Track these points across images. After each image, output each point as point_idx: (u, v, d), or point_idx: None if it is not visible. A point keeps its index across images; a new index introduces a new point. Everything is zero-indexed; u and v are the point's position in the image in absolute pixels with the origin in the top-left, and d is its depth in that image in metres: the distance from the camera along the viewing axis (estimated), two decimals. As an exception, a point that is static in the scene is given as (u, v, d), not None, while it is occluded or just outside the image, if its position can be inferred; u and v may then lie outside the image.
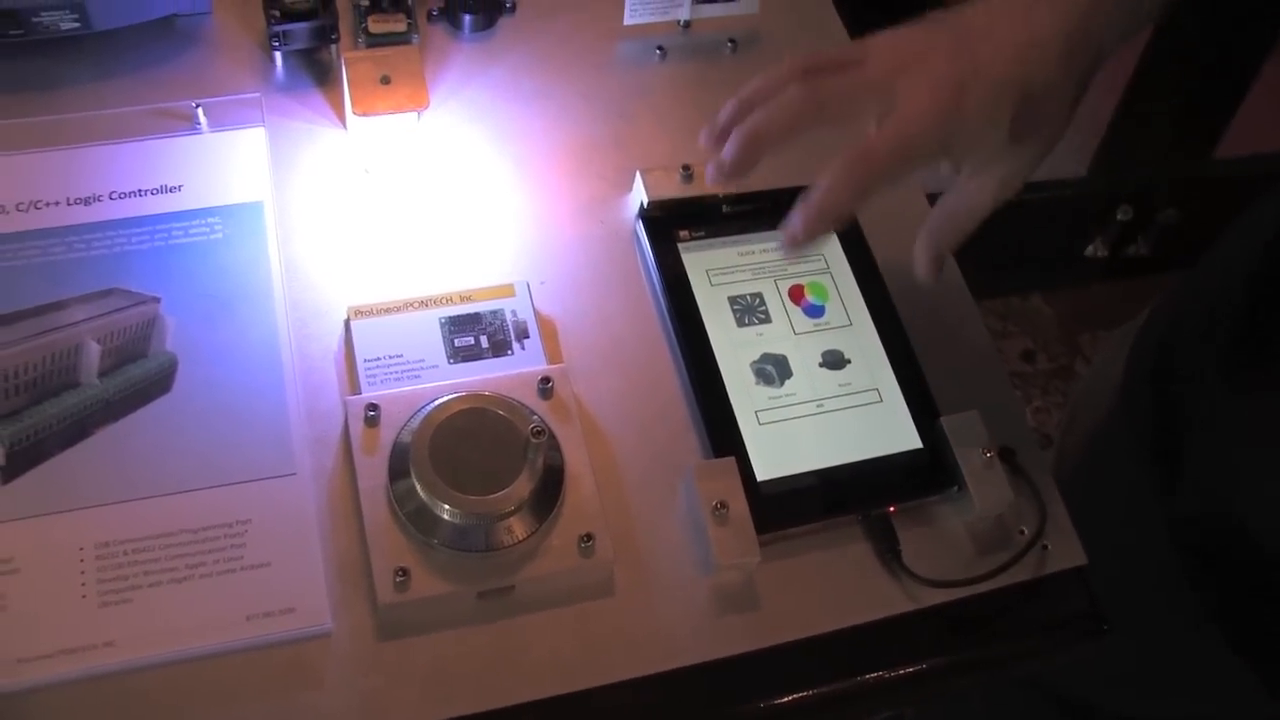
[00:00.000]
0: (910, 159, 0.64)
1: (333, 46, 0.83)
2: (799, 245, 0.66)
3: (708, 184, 0.70)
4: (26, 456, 0.67)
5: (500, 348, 0.73)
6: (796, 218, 0.65)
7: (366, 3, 0.84)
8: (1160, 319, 0.92)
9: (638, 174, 0.80)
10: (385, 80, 0.74)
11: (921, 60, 0.63)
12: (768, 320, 0.76)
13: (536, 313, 0.74)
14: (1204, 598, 0.84)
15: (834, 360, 0.75)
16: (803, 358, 0.75)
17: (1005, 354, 1.75)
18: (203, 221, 0.76)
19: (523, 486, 0.65)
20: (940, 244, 0.69)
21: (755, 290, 0.77)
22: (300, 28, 0.82)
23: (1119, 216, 1.77)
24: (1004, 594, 0.72)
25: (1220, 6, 1.68)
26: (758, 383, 0.74)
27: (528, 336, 0.73)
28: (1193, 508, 0.84)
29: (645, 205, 0.79)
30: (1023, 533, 0.73)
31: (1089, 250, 1.83)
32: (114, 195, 0.76)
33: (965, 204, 0.67)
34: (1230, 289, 0.84)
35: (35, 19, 0.77)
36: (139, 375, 0.70)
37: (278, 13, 0.81)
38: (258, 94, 0.82)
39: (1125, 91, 1.82)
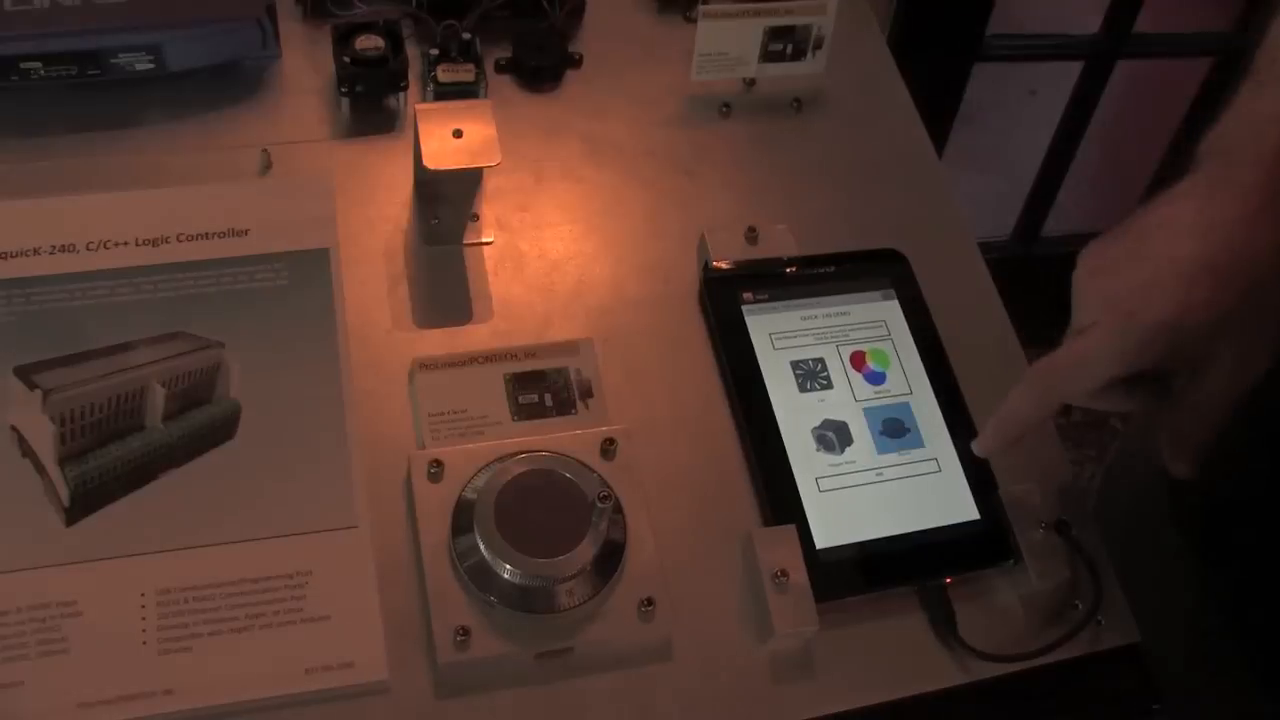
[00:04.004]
0: (1093, 376, 0.64)
1: (401, 94, 0.84)
2: (987, 453, 0.73)
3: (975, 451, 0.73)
4: (91, 499, 0.67)
5: (564, 406, 0.73)
6: (987, 430, 0.71)
7: (436, 52, 0.85)
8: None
9: (702, 234, 0.80)
10: (457, 134, 0.74)
11: (1105, 275, 0.63)
12: (829, 386, 0.76)
13: (600, 371, 0.74)
14: (1256, 669, 0.83)
15: (894, 428, 0.75)
16: (863, 425, 0.75)
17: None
18: (268, 267, 0.76)
19: (586, 550, 0.65)
20: (1190, 440, 0.66)
21: (818, 355, 0.77)
22: (370, 74, 0.82)
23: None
24: (1056, 668, 0.71)
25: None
26: (818, 449, 0.74)
27: (591, 395, 0.73)
28: (1239, 580, 0.83)
29: (709, 266, 0.79)
30: (1077, 606, 0.73)
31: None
32: (182, 238, 0.77)
33: (1208, 396, 0.63)
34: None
35: (113, 60, 0.78)
36: (203, 421, 0.71)
37: (348, 59, 0.82)
38: (325, 139, 0.83)
39: (1167, 151, 1.82)
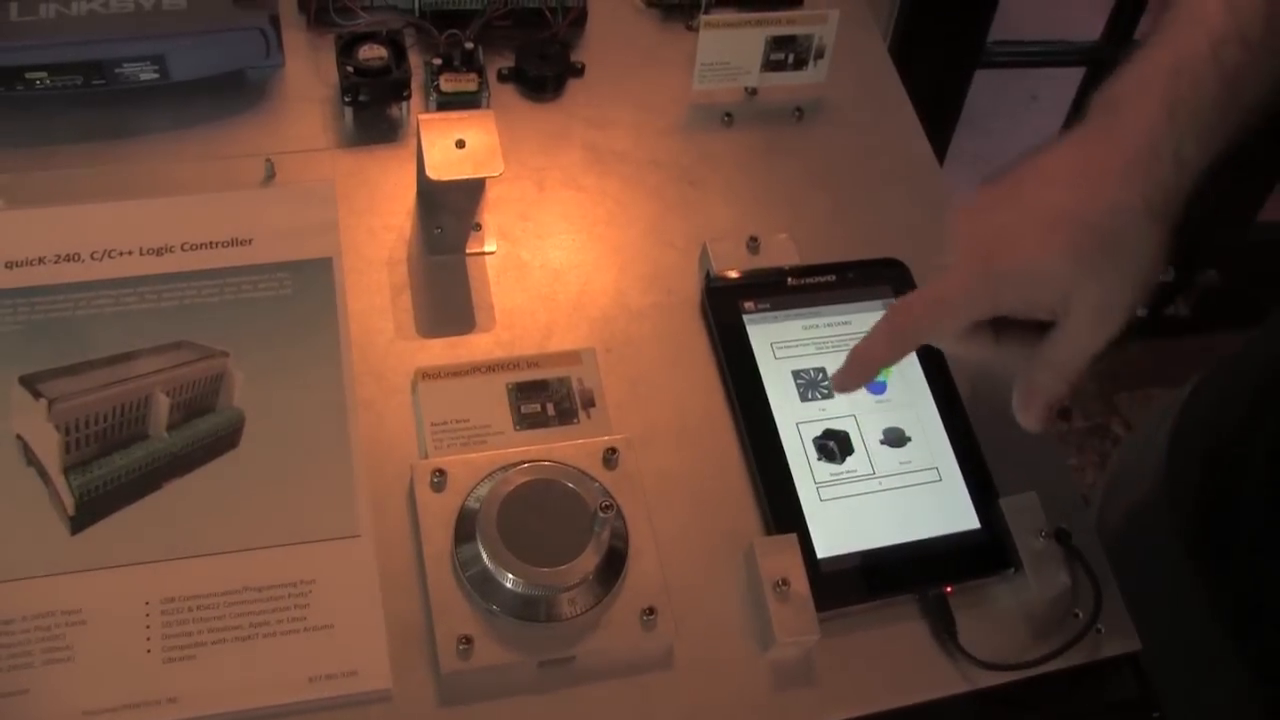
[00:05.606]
0: (950, 318, 0.64)
1: (404, 104, 0.84)
2: (845, 391, 0.70)
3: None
4: (96, 507, 0.68)
5: (566, 415, 0.73)
6: (844, 368, 0.68)
7: (438, 62, 0.85)
8: (1206, 396, 0.91)
9: (704, 244, 0.80)
10: (460, 143, 0.74)
11: (974, 218, 0.63)
12: (830, 395, 0.76)
13: (602, 381, 0.75)
14: (1256, 679, 0.83)
15: (895, 438, 0.75)
16: (864, 434, 0.75)
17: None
18: (272, 276, 0.77)
19: (588, 560, 0.65)
20: (1041, 393, 0.64)
21: (818, 365, 0.77)
22: (373, 84, 0.83)
23: (1160, 277, 1.77)
24: (1056, 677, 0.71)
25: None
26: (819, 458, 0.74)
27: (593, 405, 0.73)
28: (1240, 590, 0.83)
29: (711, 276, 0.79)
30: (1077, 615, 0.73)
31: (1128, 310, 1.83)
32: (186, 247, 0.77)
33: (1063, 349, 0.62)
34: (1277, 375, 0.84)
35: (118, 69, 0.78)
36: (206, 430, 0.71)
37: (351, 68, 0.82)
38: (328, 148, 0.83)
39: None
